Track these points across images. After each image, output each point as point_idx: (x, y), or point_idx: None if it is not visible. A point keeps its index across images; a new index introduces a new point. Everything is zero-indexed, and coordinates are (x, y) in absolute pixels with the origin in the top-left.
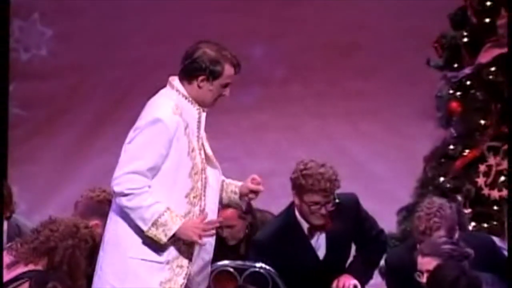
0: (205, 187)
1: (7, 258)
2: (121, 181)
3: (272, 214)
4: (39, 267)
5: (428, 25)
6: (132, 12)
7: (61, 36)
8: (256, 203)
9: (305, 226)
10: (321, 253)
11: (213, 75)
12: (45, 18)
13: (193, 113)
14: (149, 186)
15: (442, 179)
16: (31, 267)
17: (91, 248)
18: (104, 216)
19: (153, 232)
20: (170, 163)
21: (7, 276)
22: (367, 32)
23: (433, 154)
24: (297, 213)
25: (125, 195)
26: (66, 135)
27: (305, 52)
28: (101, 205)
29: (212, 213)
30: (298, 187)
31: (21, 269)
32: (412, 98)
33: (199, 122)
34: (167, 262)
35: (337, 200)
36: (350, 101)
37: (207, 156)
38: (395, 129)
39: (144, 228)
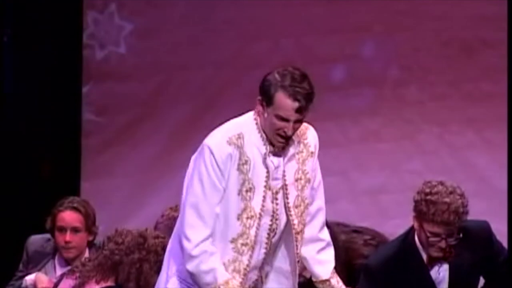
0: (268, 235)
1: (70, 282)
2: (185, 229)
3: (368, 232)
4: (110, 284)
5: None
6: (224, 5)
7: (142, 31)
8: (365, 223)
9: (424, 254)
10: (442, 287)
11: (266, 99)
12: (124, 10)
13: (260, 148)
14: (210, 235)
15: None
16: (102, 284)
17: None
18: None
19: None
20: (223, 200)
21: None
22: (495, 26)
23: None
24: (416, 239)
25: (185, 251)
26: (148, 144)
27: (422, 49)
28: None
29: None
30: (419, 213)
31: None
32: None
33: (265, 159)
34: None
35: (460, 235)
36: (475, 106)
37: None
38: None
39: None
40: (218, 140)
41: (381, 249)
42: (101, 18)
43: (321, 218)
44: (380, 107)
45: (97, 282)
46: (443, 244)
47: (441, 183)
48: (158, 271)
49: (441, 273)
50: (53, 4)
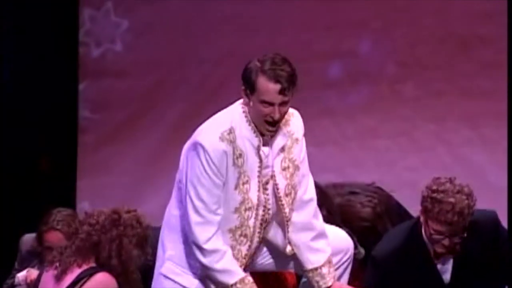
0: (261, 225)
1: (51, 273)
2: (192, 229)
3: (366, 193)
4: (92, 264)
5: None
6: (220, 1)
7: (138, 28)
8: None
9: (431, 246)
10: (446, 277)
11: (249, 87)
12: (120, 7)
13: (252, 141)
14: (218, 229)
15: None
16: (84, 266)
17: (140, 234)
18: None
19: None
20: (222, 195)
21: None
22: (492, 22)
23: None
24: (423, 231)
25: (200, 248)
26: (145, 141)
27: (419, 46)
28: None
29: (261, 255)
30: (425, 209)
31: (76, 272)
32: None
33: (258, 150)
34: None
35: (465, 235)
36: (472, 103)
37: (279, 192)
38: None
39: None
40: (210, 137)
41: (387, 239)
42: (97, 16)
43: (314, 206)
44: (377, 103)
45: (79, 266)
46: (446, 242)
47: (450, 181)
48: (136, 244)
49: (446, 264)
50: (49, 1)
